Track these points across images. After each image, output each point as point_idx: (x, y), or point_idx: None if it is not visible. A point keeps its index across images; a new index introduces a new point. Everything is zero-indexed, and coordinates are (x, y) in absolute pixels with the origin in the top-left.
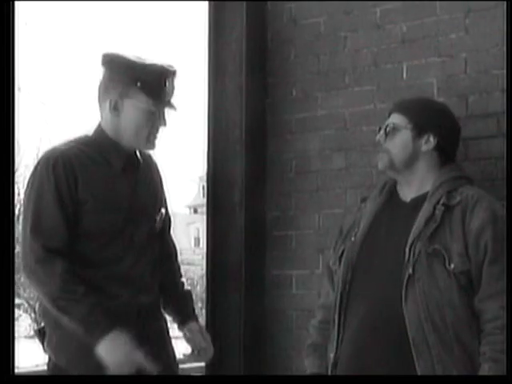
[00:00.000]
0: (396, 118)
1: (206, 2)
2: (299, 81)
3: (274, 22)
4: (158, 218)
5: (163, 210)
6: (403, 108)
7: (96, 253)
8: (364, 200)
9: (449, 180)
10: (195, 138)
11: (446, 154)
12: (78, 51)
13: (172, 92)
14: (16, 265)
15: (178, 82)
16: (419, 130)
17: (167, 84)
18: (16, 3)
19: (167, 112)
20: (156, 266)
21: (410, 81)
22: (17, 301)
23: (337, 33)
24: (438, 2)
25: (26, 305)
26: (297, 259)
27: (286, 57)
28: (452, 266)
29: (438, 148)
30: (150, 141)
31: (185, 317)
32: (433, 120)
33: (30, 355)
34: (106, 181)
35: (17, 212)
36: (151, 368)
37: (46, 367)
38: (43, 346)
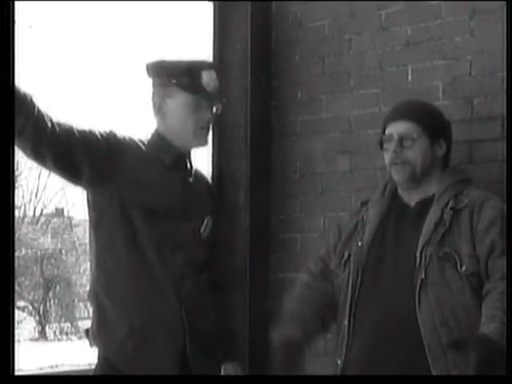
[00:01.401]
0: (407, 127)
1: (211, 4)
2: (304, 83)
3: (279, 24)
4: (203, 224)
5: (210, 221)
6: (411, 115)
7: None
8: (365, 204)
9: (454, 183)
10: None
11: (448, 157)
12: (83, 53)
13: (213, 84)
14: (17, 267)
15: (218, 75)
16: (434, 136)
17: (204, 77)
18: (20, 6)
19: (212, 105)
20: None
21: (414, 83)
22: (21, 303)
23: (342, 35)
24: (443, 4)
25: (31, 307)
26: (301, 262)
27: (291, 59)
28: (463, 268)
29: (446, 152)
30: (198, 136)
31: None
32: (442, 124)
33: (34, 358)
34: (150, 177)
35: (21, 214)
36: None
37: (50, 370)
38: (90, 342)
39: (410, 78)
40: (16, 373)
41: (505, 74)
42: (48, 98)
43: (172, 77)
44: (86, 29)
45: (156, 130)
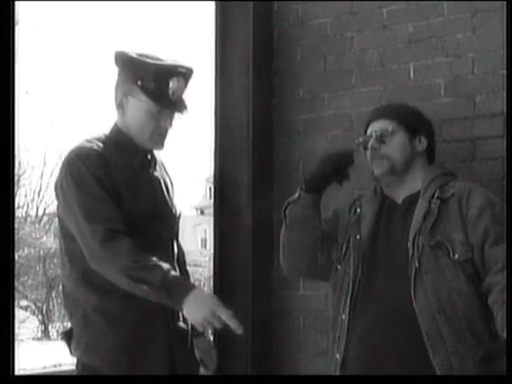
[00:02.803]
0: (384, 124)
1: (213, 3)
2: (306, 81)
3: (281, 23)
4: (177, 218)
5: (179, 211)
6: (387, 113)
7: None
8: (358, 199)
9: (438, 176)
10: (202, 139)
11: (432, 153)
12: (84, 53)
13: (178, 93)
14: (17, 267)
15: (190, 81)
16: (412, 131)
17: (171, 84)
18: (22, 6)
19: (174, 113)
20: (175, 267)
21: (416, 81)
22: (24, 303)
23: (343, 33)
24: (444, 2)
25: (34, 307)
26: None
27: (293, 57)
28: (456, 255)
29: (427, 148)
30: (154, 140)
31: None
32: (420, 121)
33: (37, 357)
34: (130, 174)
35: (24, 214)
36: (235, 325)
37: (53, 369)
38: (70, 348)
39: (411, 75)
40: (19, 372)
41: (505, 74)
42: (50, 96)
43: (138, 78)
44: (87, 28)
45: (116, 125)
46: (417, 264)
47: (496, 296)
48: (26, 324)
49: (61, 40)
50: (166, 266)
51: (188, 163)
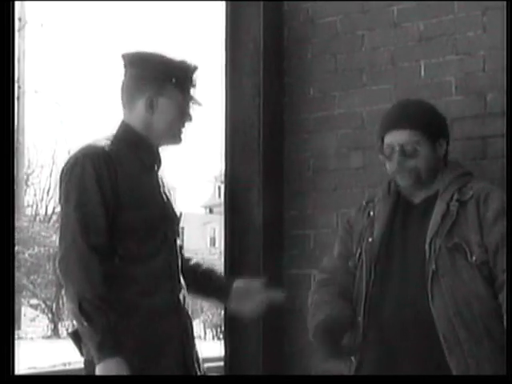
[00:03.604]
0: (409, 136)
1: (224, 2)
2: (316, 80)
3: (291, 22)
4: (180, 216)
5: (180, 210)
6: (410, 123)
7: (134, 249)
8: (370, 201)
9: (456, 177)
10: (212, 137)
11: (448, 153)
12: (93, 52)
13: (197, 86)
14: (27, 266)
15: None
16: (433, 139)
17: (194, 80)
18: (32, 5)
19: (192, 107)
20: (179, 265)
21: (427, 79)
22: (34, 301)
23: (354, 32)
24: (455, 1)
25: (44, 305)
26: (315, 258)
27: (303, 56)
28: (474, 257)
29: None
30: (179, 135)
31: (225, 279)
32: (439, 124)
33: (46, 355)
34: (139, 176)
35: (34, 212)
36: None
37: (63, 367)
38: (80, 348)
39: (422, 73)
40: (29, 370)
41: (505, 73)
42: (58, 94)
43: (173, 76)
44: (96, 27)
45: (126, 124)
46: (434, 266)
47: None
48: (35, 322)
49: (70, 39)
50: (114, 317)
51: (197, 162)
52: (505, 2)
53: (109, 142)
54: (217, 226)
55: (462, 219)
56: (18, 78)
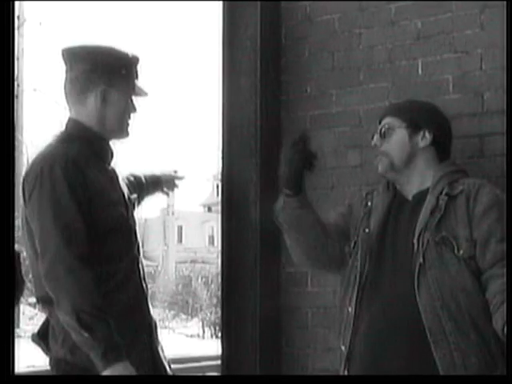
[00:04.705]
0: (389, 121)
1: (221, 2)
2: (314, 78)
3: (289, 20)
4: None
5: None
6: (394, 110)
7: (114, 252)
8: (370, 193)
9: (448, 173)
10: (209, 136)
11: (442, 149)
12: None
13: (139, 78)
14: (26, 265)
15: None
16: (414, 127)
17: (138, 70)
18: (30, 4)
19: (136, 99)
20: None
21: (425, 77)
22: (33, 300)
23: (351, 30)
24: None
25: None
26: None
27: (301, 54)
28: (461, 251)
29: (434, 143)
30: (126, 129)
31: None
32: (425, 116)
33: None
34: (101, 174)
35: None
36: None
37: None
38: (47, 348)
39: (420, 71)
40: (28, 369)
41: (505, 71)
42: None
43: (121, 67)
44: (95, 26)
45: (77, 121)
46: (421, 259)
47: (494, 290)
48: (34, 321)
49: (68, 37)
50: (111, 322)
51: (195, 160)
52: (504, 2)
53: (66, 144)
54: (215, 224)
55: (450, 213)
56: (17, 76)
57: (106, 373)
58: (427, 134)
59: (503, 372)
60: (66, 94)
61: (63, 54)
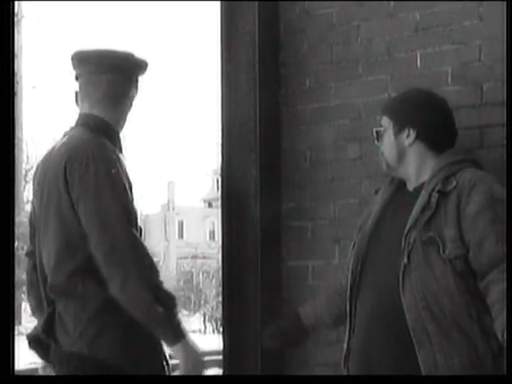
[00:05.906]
0: (382, 121)
1: None
2: (313, 71)
3: (287, 13)
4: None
5: None
6: (387, 109)
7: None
8: (377, 192)
9: (447, 165)
10: (209, 131)
11: (433, 142)
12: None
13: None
14: (24, 261)
15: None
16: (399, 127)
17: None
18: (29, 2)
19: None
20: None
21: (423, 69)
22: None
23: (350, 22)
24: None
25: None
26: (313, 250)
27: (299, 47)
28: (446, 252)
29: (422, 138)
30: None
31: None
32: (410, 114)
33: None
34: (124, 167)
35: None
36: None
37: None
38: (43, 352)
39: (418, 63)
40: (30, 366)
41: (504, 67)
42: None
43: (135, 73)
44: (94, 23)
45: (93, 115)
46: (405, 260)
47: (496, 295)
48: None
49: (67, 34)
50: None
51: (195, 156)
52: None
53: (98, 136)
54: (216, 219)
55: (441, 211)
56: (16, 74)
57: (177, 347)
58: (411, 132)
59: (493, 372)
60: (80, 92)
61: (75, 57)
